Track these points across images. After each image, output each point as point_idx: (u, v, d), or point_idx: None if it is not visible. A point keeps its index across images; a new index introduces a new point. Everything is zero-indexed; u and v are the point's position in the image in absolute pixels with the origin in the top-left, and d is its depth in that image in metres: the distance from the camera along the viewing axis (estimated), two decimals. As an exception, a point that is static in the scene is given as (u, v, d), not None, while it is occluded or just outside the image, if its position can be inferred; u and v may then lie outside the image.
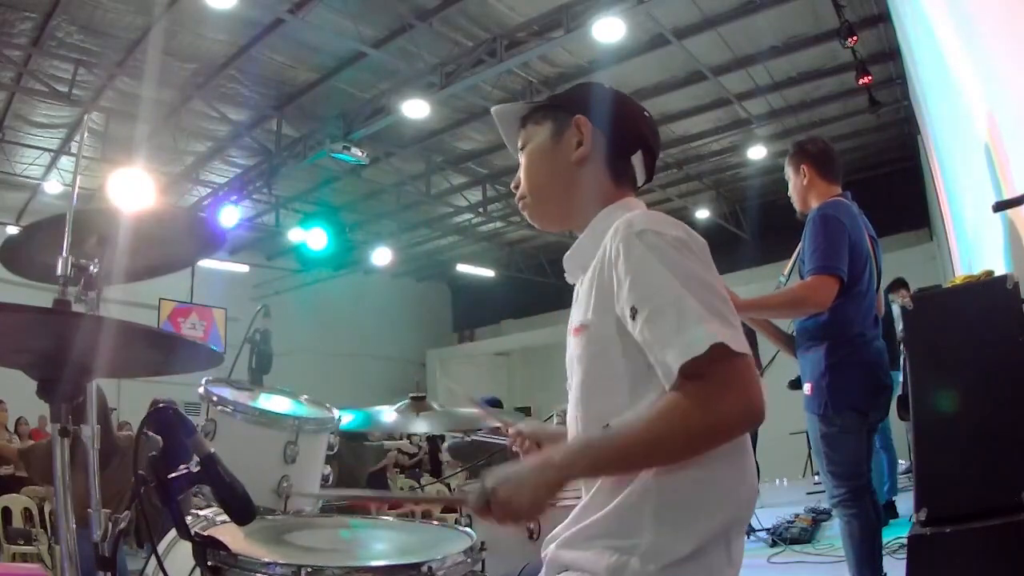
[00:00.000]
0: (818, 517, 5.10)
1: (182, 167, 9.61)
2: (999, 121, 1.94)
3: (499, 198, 11.56)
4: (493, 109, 1.40)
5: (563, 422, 1.32)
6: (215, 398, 1.71)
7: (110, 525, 1.16)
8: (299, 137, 8.58)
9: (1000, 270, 1.73)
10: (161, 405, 1.16)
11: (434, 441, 9.49)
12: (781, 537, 4.62)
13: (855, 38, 6.02)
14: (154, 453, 1.10)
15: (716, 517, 1.04)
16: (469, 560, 1.35)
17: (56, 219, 1.42)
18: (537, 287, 14.00)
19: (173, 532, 1.52)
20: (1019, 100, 1.67)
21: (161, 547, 1.63)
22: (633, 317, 1.02)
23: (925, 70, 3.88)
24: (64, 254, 1.39)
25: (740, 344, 0.96)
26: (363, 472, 6.23)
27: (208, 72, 7.49)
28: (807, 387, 2.57)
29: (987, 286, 1.64)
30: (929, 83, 3.83)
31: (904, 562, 1.53)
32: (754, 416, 0.96)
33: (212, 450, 1.16)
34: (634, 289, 1.02)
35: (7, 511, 5.47)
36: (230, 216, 9.21)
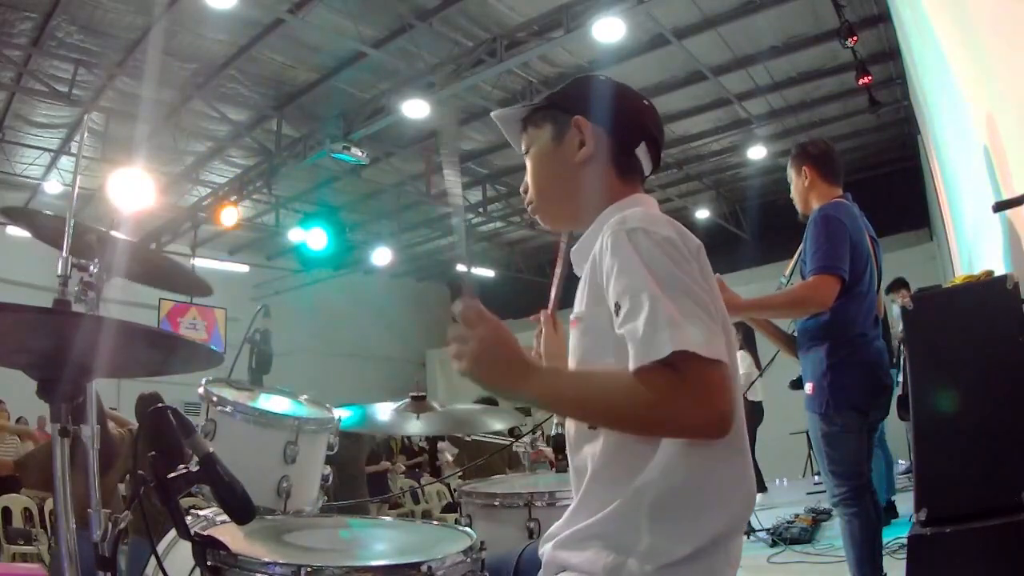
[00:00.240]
0: (818, 517, 5.10)
1: (182, 167, 9.61)
2: (999, 122, 1.94)
3: (499, 198, 11.56)
4: (493, 114, 1.38)
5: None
6: (215, 398, 1.71)
7: (110, 525, 1.16)
8: (299, 137, 8.58)
9: (1000, 270, 1.73)
10: (156, 403, 1.16)
11: (434, 442, 9.50)
12: (781, 537, 4.62)
13: (855, 38, 6.02)
14: (154, 453, 1.10)
15: (714, 519, 1.04)
16: (469, 560, 1.34)
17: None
18: (537, 287, 13.99)
19: (173, 532, 1.52)
20: (1018, 101, 1.67)
21: (161, 547, 1.63)
22: (616, 312, 1.02)
23: (925, 70, 3.88)
24: (64, 254, 1.39)
25: (712, 350, 0.94)
26: (358, 467, 6.22)
27: (208, 72, 7.49)
28: (808, 386, 2.58)
29: (987, 286, 1.64)
30: (929, 83, 3.83)
31: (904, 562, 1.53)
32: (717, 423, 0.95)
33: (212, 450, 1.16)
34: (617, 285, 1.03)
35: (7, 511, 5.47)
36: (230, 216, 9.21)
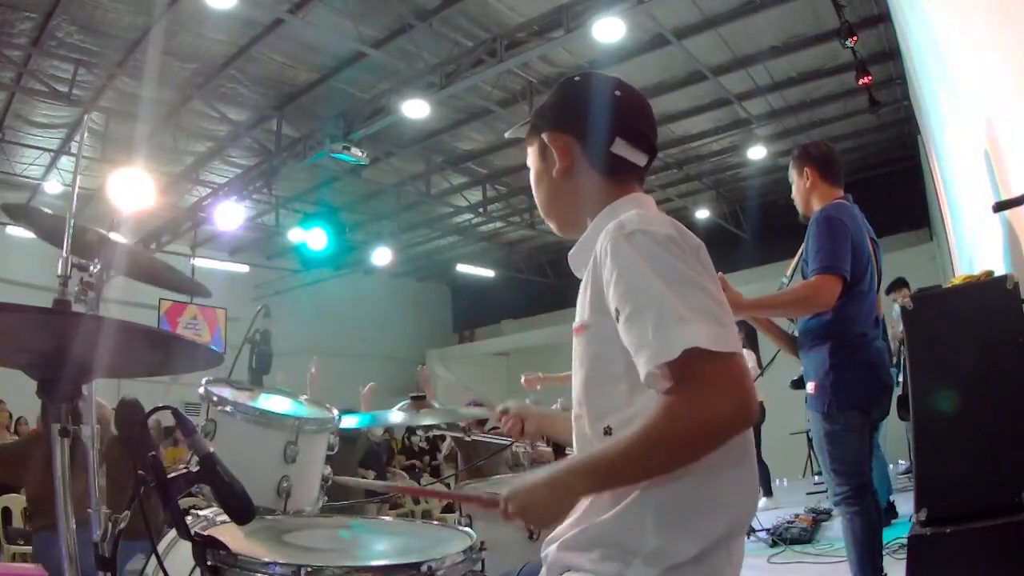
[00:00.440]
0: (818, 517, 5.10)
1: (182, 167, 9.61)
2: (998, 123, 1.94)
3: (499, 198, 11.56)
4: (507, 135, 1.41)
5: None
6: (215, 398, 1.72)
7: (110, 525, 1.15)
8: (299, 137, 8.58)
9: (1000, 270, 1.73)
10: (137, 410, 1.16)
11: (434, 442, 9.50)
12: (781, 537, 4.62)
13: (855, 38, 6.02)
14: (153, 453, 1.10)
15: (719, 521, 1.04)
16: (468, 560, 1.35)
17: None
18: (537, 287, 14.01)
19: (173, 532, 1.52)
20: (1018, 102, 1.67)
21: (161, 547, 1.63)
22: (617, 318, 1.01)
23: (925, 70, 3.88)
24: (64, 254, 1.39)
25: (725, 343, 0.93)
26: (354, 463, 6.21)
27: (208, 72, 7.49)
28: (811, 386, 2.60)
29: (987, 286, 1.64)
30: (929, 83, 3.83)
31: (904, 562, 1.53)
32: (744, 414, 0.94)
33: (212, 450, 1.16)
34: (618, 289, 1.02)
35: (7, 511, 5.47)
36: (230, 216, 9.21)
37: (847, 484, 2.53)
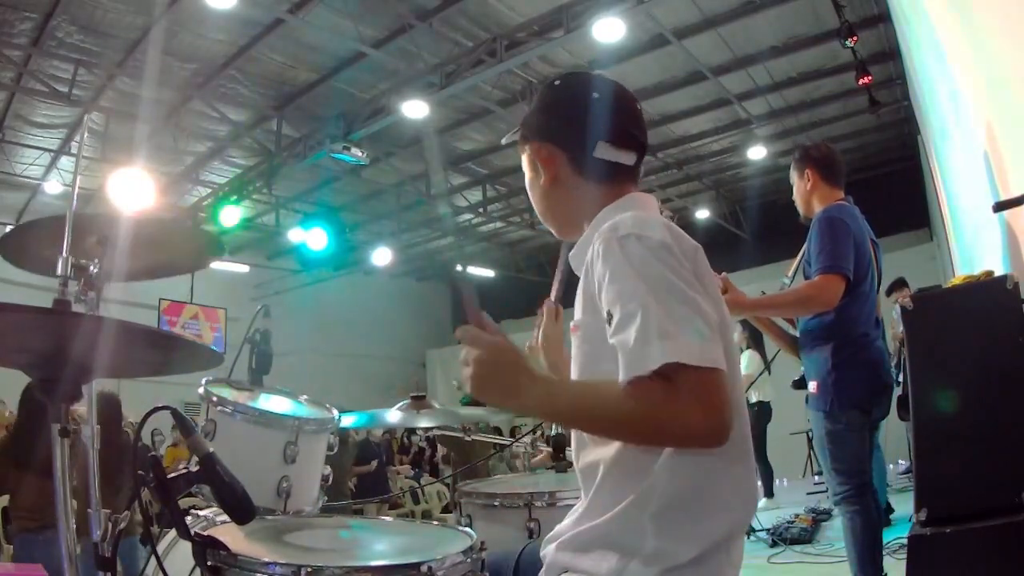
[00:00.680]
0: (818, 517, 5.10)
1: (182, 167, 9.61)
2: (999, 122, 1.94)
3: (499, 198, 11.56)
4: (504, 140, 1.42)
5: None
6: (215, 398, 1.71)
7: (110, 525, 1.16)
8: (299, 137, 8.58)
9: (1000, 270, 1.73)
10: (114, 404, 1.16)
11: (434, 442, 9.50)
12: (781, 537, 4.62)
13: (855, 38, 6.02)
14: (154, 453, 1.10)
15: (718, 522, 1.04)
16: (468, 560, 1.35)
17: (56, 218, 1.42)
18: (537, 287, 13.99)
19: (173, 532, 1.52)
20: (1017, 103, 1.67)
21: (161, 547, 1.63)
22: (609, 320, 1.02)
23: (925, 70, 3.88)
24: (64, 254, 1.39)
25: (705, 357, 0.93)
26: (347, 467, 6.22)
27: (208, 72, 7.49)
28: (813, 385, 2.61)
29: (987, 286, 1.64)
30: (929, 83, 3.83)
31: (904, 562, 1.53)
32: (714, 431, 0.93)
33: (211, 450, 1.16)
34: (608, 293, 1.02)
35: (7, 511, 5.46)
36: (230, 216, 9.21)
37: (848, 483, 2.55)
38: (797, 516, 5.07)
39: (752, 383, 6.28)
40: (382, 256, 11.55)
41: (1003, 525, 1.42)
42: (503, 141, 1.41)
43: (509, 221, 12.42)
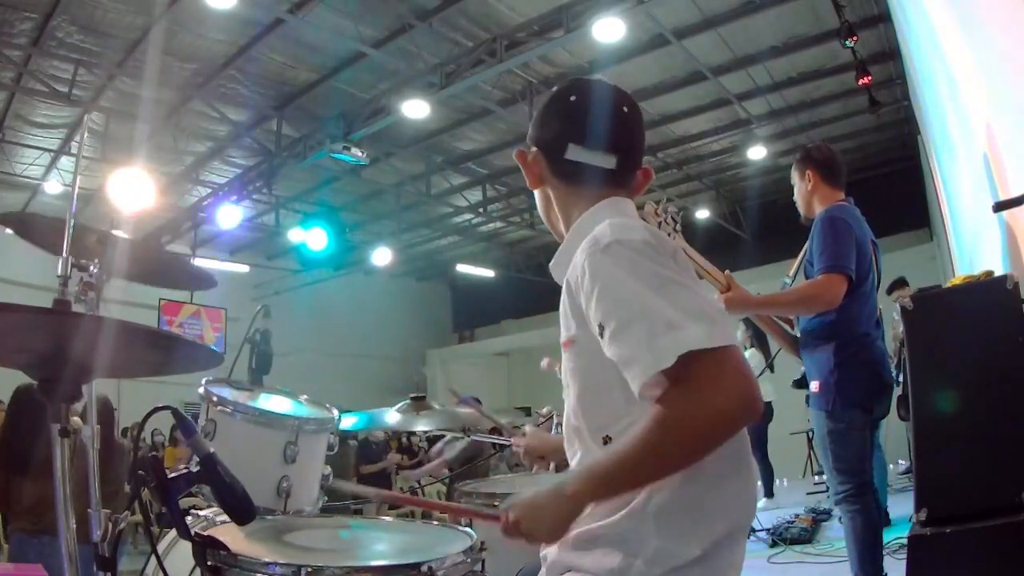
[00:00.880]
0: (818, 517, 5.10)
1: (182, 167, 9.61)
2: (999, 122, 1.94)
3: (499, 198, 11.57)
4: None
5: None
6: (215, 398, 1.71)
7: (110, 525, 1.16)
8: (299, 137, 8.58)
9: (1000, 270, 1.73)
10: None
11: (434, 443, 9.51)
12: (781, 537, 4.62)
13: (855, 38, 6.02)
14: (154, 453, 1.10)
15: (720, 522, 1.05)
16: (469, 560, 1.35)
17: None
18: (537, 287, 14.00)
19: (173, 532, 1.52)
20: (1017, 104, 1.67)
21: (161, 547, 1.63)
22: (601, 334, 1.01)
23: (925, 70, 3.88)
24: (64, 254, 1.39)
25: (718, 338, 0.93)
26: (349, 469, 6.23)
27: (208, 72, 7.49)
28: (815, 385, 2.62)
29: (987, 286, 1.64)
30: (929, 83, 3.83)
31: (904, 562, 1.53)
32: (748, 403, 0.93)
33: (212, 450, 1.16)
34: (600, 305, 1.01)
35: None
36: (230, 216, 9.21)
37: (849, 483, 2.55)
38: (797, 516, 5.07)
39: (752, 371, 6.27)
40: (382, 256, 11.55)
41: (1003, 525, 1.42)
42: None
43: (509, 221, 12.42)
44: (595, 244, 1.05)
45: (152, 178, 7.71)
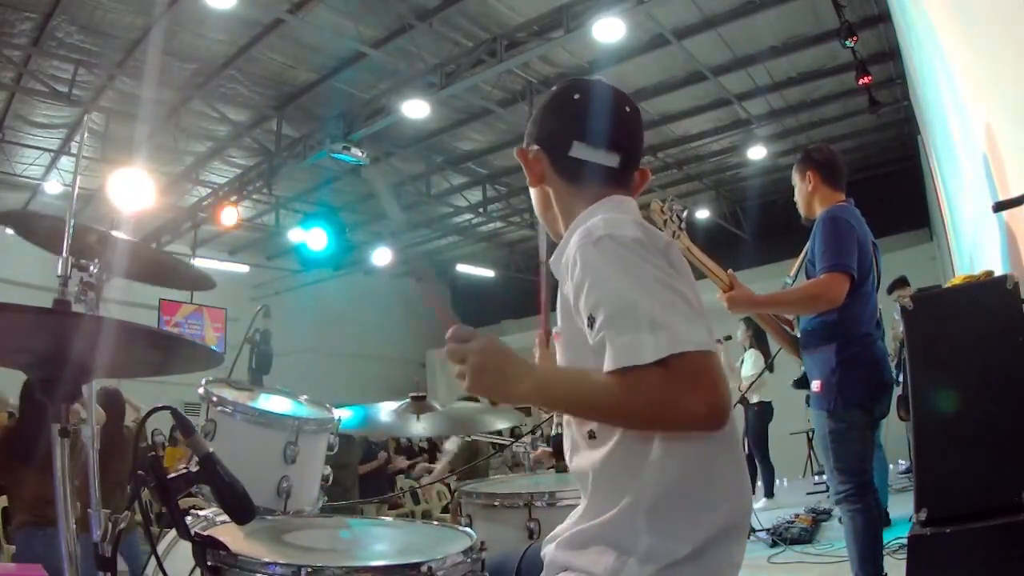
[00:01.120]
0: (818, 517, 5.10)
1: (182, 167, 9.61)
2: (999, 122, 1.94)
3: (499, 198, 11.56)
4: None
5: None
6: (215, 398, 1.72)
7: (110, 525, 1.16)
8: (299, 137, 8.58)
9: (1000, 270, 1.73)
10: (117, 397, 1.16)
11: (433, 443, 9.50)
12: (781, 537, 4.62)
13: (855, 38, 6.02)
14: (154, 453, 1.10)
15: (711, 517, 1.05)
16: (469, 560, 1.35)
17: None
18: (537, 287, 13.97)
19: (173, 532, 1.52)
20: (1017, 103, 1.67)
21: (161, 547, 1.63)
22: (591, 325, 1.02)
23: (925, 70, 3.88)
24: (64, 254, 1.39)
25: (695, 341, 0.95)
26: (350, 474, 6.22)
27: (208, 72, 7.49)
28: (816, 384, 2.62)
29: (987, 286, 1.64)
30: (929, 83, 3.83)
31: (904, 562, 1.53)
32: (714, 415, 0.95)
33: (211, 450, 1.16)
34: (589, 297, 1.02)
35: (7, 511, 5.46)
36: (230, 216, 9.21)
37: (850, 482, 2.56)
38: (797, 516, 5.07)
39: (753, 383, 6.28)
40: (382, 256, 11.54)
41: (1003, 525, 1.41)
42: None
43: (509, 221, 12.42)
44: (587, 236, 1.06)
45: (152, 178, 7.71)
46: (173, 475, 1.14)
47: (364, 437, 7.66)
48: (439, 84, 7.14)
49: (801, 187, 2.86)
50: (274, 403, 1.93)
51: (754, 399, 6.67)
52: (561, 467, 2.45)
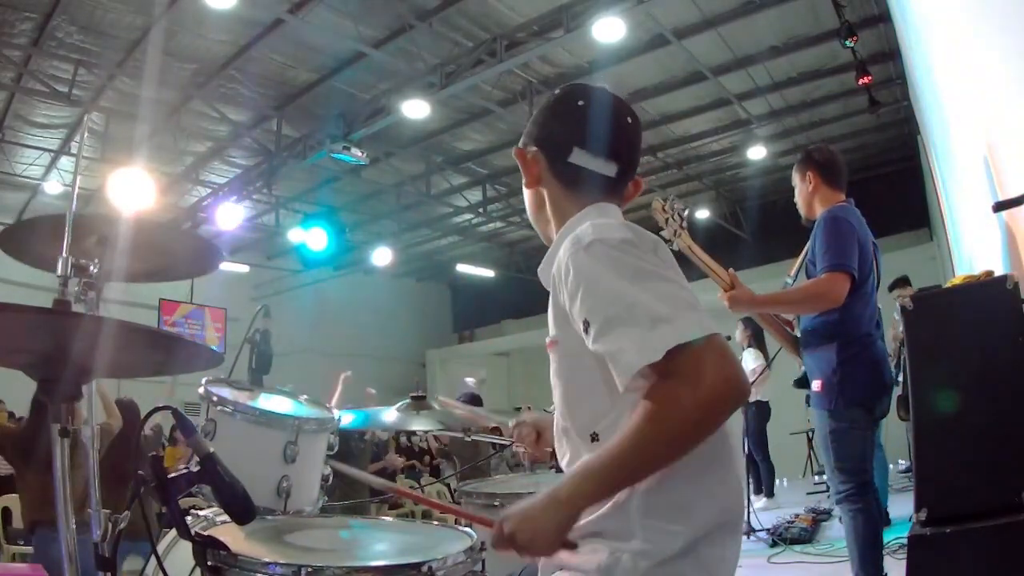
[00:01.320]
0: (818, 517, 5.10)
1: (182, 167, 9.61)
2: (998, 123, 1.94)
3: (499, 198, 11.56)
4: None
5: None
6: (215, 398, 1.71)
7: (110, 525, 1.16)
8: (299, 137, 8.58)
9: (1000, 270, 1.73)
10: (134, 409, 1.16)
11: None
12: (781, 537, 4.62)
13: (855, 38, 6.02)
14: (153, 453, 1.10)
15: (703, 512, 1.05)
16: (469, 560, 1.35)
17: (56, 216, 1.43)
18: (537, 287, 13.64)
19: (173, 532, 1.52)
20: (1017, 104, 1.67)
21: (161, 547, 1.63)
22: (586, 331, 1.02)
23: (925, 70, 3.88)
24: (64, 254, 1.39)
25: (703, 328, 0.95)
26: (365, 466, 6.22)
27: (208, 72, 7.49)
28: (816, 384, 2.62)
29: (987, 286, 1.64)
30: (929, 83, 3.83)
31: (904, 562, 1.53)
32: (736, 386, 0.95)
33: (212, 450, 1.16)
34: (585, 302, 1.02)
35: (7, 511, 5.46)
36: (230, 216, 9.20)
37: (851, 482, 2.56)
38: (797, 516, 5.07)
39: (757, 378, 6.28)
40: (382, 256, 11.54)
41: (1003, 525, 1.42)
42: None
43: (509, 221, 12.42)
44: (577, 243, 1.06)
45: (152, 178, 7.70)
46: (173, 475, 1.14)
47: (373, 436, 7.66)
48: (439, 84, 7.14)
49: (801, 187, 2.86)
50: (274, 403, 1.93)
51: (753, 398, 6.67)
52: (561, 467, 2.45)
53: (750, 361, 6.70)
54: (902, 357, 1.98)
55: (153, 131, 8.41)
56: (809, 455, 8.41)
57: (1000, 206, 1.54)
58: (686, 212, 2.44)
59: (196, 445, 1.17)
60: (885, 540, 2.67)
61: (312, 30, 6.64)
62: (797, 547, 4.48)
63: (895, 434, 4.86)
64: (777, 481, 7.30)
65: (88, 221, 1.52)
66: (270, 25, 6.65)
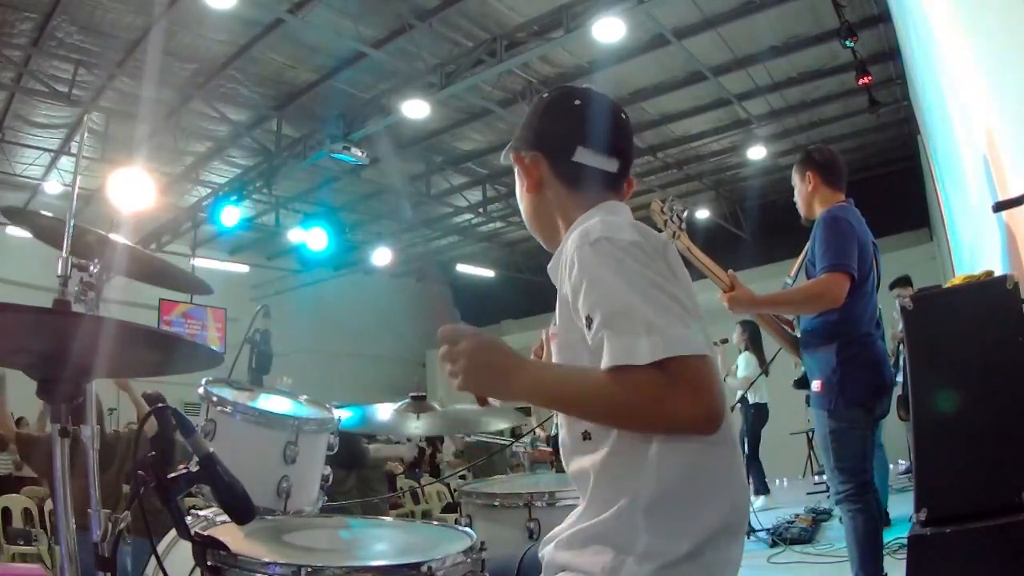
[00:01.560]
0: (818, 517, 5.11)
1: (182, 167, 9.61)
2: (998, 125, 1.94)
3: (499, 198, 11.57)
4: (503, 159, 1.42)
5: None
6: (215, 398, 1.72)
7: (110, 525, 1.15)
8: (299, 137, 8.58)
9: (1000, 270, 1.73)
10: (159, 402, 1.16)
11: (433, 442, 9.50)
12: (781, 537, 4.62)
13: (855, 38, 6.02)
14: (153, 453, 1.10)
15: (709, 516, 1.05)
16: (469, 560, 1.35)
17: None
18: (537, 287, 13.98)
19: (173, 532, 1.52)
20: (1017, 103, 1.67)
21: (161, 547, 1.62)
22: (588, 326, 1.03)
23: (925, 70, 3.88)
24: (64, 254, 1.39)
25: (691, 346, 0.96)
26: (379, 469, 6.23)
27: (208, 72, 7.49)
28: (816, 384, 2.62)
29: (987, 286, 1.64)
30: (929, 82, 3.83)
31: (904, 562, 1.53)
32: (708, 418, 0.97)
33: (212, 450, 1.16)
34: (588, 298, 1.03)
35: (7, 511, 5.47)
36: (230, 216, 9.21)
37: (851, 482, 2.56)
38: (797, 516, 5.07)
39: (751, 384, 6.29)
40: (382, 256, 11.55)
41: (1003, 525, 1.41)
42: (501, 159, 1.40)
43: (509, 221, 12.42)
44: (585, 237, 1.07)
45: (152, 178, 7.69)
46: (173, 475, 1.14)
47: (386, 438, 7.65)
48: (439, 84, 7.14)
49: (801, 188, 2.87)
50: (274, 403, 1.93)
51: (750, 400, 6.67)
52: (560, 467, 2.45)
53: (743, 368, 6.71)
54: (902, 357, 1.98)
55: (153, 131, 8.41)
56: (809, 455, 8.42)
57: (1000, 206, 1.54)
58: (685, 213, 2.44)
59: (196, 445, 1.17)
60: (885, 540, 2.67)
61: (312, 30, 6.64)
62: (797, 547, 4.49)
63: (895, 434, 4.86)
64: (777, 481, 7.31)
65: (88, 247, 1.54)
66: (270, 25, 6.65)
